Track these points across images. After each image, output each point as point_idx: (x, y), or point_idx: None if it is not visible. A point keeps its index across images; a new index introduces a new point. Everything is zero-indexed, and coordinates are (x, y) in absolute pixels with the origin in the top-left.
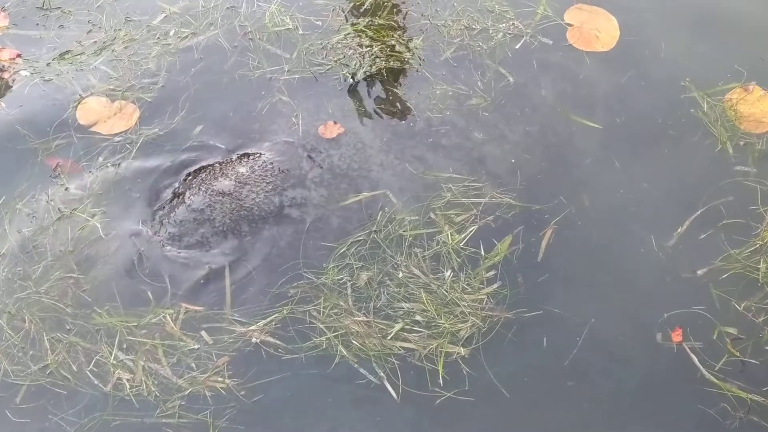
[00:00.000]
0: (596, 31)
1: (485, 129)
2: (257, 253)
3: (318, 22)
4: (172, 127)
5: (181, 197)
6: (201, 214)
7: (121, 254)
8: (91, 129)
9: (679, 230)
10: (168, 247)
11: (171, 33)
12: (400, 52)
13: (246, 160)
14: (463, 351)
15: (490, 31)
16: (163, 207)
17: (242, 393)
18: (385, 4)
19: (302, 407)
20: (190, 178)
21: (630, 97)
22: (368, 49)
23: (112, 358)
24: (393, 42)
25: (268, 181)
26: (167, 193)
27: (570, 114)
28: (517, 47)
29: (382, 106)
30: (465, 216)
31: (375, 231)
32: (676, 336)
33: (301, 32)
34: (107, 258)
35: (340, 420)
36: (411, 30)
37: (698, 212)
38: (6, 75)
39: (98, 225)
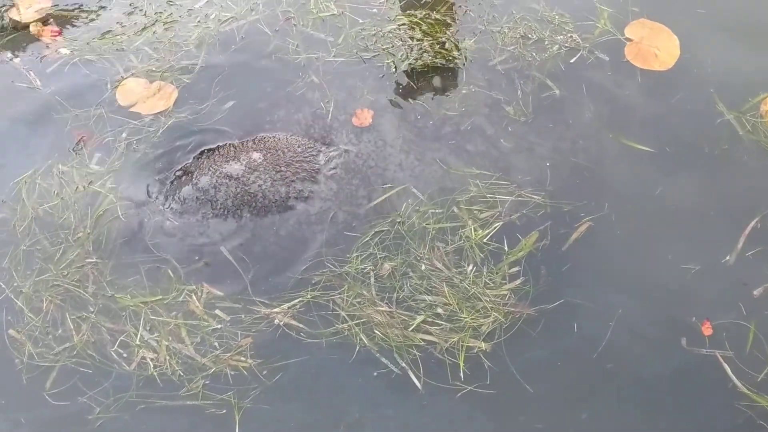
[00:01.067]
0: (656, 48)
1: (517, 139)
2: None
3: (374, 10)
4: (205, 108)
5: (190, 175)
6: (205, 194)
7: (135, 230)
8: (131, 109)
9: (734, 247)
10: (168, 223)
11: (212, 17)
12: (448, 50)
13: (263, 144)
14: (484, 346)
15: (546, 42)
16: (172, 183)
17: (264, 373)
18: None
19: (324, 392)
20: (203, 157)
21: (681, 118)
22: (418, 42)
23: (138, 339)
24: (444, 39)
25: (278, 169)
26: (179, 170)
27: (618, 135)
28: (571, 61)
29: (417, 102)
30: (489, 213)
31: (399, 222)
32: (706, 329)
33: (349, 18)
34: (122, 233)
35: (361, 406)
36: (465, 31)
37: (748, 229)
38: (47, 52)
39: (113, 198)
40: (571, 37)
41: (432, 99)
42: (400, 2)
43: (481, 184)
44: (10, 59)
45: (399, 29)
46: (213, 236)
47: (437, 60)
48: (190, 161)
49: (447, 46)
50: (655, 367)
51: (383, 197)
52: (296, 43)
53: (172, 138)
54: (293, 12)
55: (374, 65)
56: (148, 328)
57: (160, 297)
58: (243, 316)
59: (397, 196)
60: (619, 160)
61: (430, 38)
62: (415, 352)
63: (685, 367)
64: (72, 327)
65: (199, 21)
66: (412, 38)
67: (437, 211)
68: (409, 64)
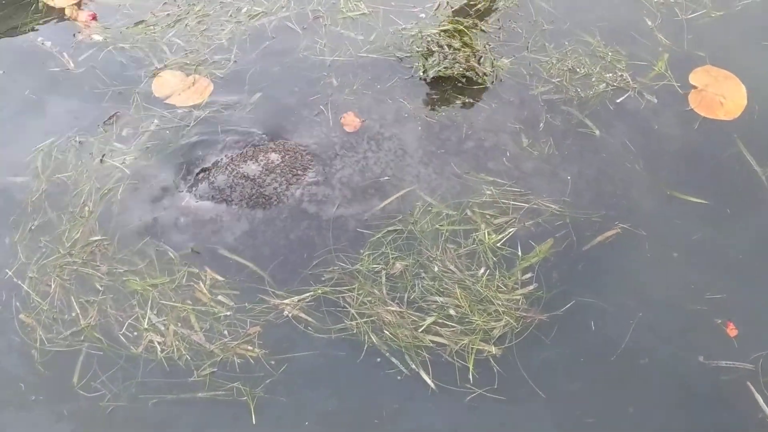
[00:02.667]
0: (721, 96)
1: (542, 164)
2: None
3: (422, 15)
4: (235, 104)
5: (208, 172)
6: (221, 194)
7: (149, 223)
8: (165, 101)
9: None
10: (182, 218)
11: (243, 11)
12: (482, 65)
13: (282, 146)
14: (494, 350)
15: (593, 79)
16: (190, 179)
17: (272, 363)
18: (494, 10)
19: (330, 387)
20: (219, 153)
21: (736, 170)
22: (454, 51)
23: (146, 322)
24: (481, 53)
25: (294, 172)
26: (199, 166)
27: (660, 182)
28: (618, 101)
29: (442, 113)
30: (504, 218)
31: (412, 222)
32: (731, 330)
33: (383, 17)
34: (131, 215)
35: (368, 404)
36: (508, 50)
37: None
38: (81, 37)
39: (128, 177)
40: (622, 76)
41: (458, 111)
42: (452, 9)
43: (496, 190)
44: (43, 41)
45: (439, 35)
46: (225, 236)
47: (468, 73)
48: (215, 161)
49: (481, 60)
50: (672, 377)
51: (394, 197)
52: (324, 42)
53: (202, 133)
54: (323, 11)
55: (403, 66)
56: (155, 312)
57: (168, 279)
58: (247, 304)
59: (409, 198)
60: (652, 196)
61: (469, 50)
62: (424, 353)
63: (704, 379)
64: (79, 311)
65: (230, 15)
66: (449, 46)
67: (450, 213)
68: (438, 70)
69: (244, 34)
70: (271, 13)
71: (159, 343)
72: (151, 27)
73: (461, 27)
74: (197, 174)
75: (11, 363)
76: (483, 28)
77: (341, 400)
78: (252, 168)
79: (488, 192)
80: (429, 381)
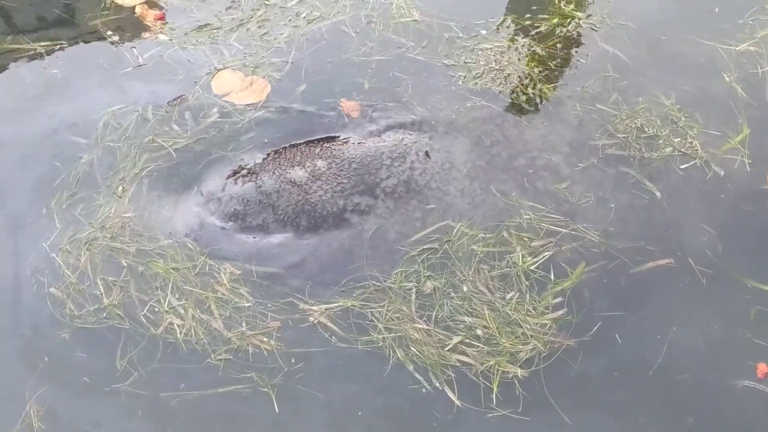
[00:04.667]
0: None
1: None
2: (313, 250)
3: (483, 31)
4: (290, 104)
5: (254, 176)
6: (267, 198)
7: (182, 213)
8: (224, 98)
9: None
10: (230, 223)
11: (302, 15)
12: (524, 86)
13: (329, 152)
14: (520, 372)
15: (660, 141)
16: (236, 181)
17: (291, 361)
18: (559, 34)
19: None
20: (269, 157)
21: None
22: (502, 68)
23: (166, 304)
24: (528, 79)
25: (339, 181)
26: (244, 168)
27: (720, 257)
28: (682, 167)
29: (496, 128)
30: (540, 242)
31: (447, 242)
32: (760, 372)
33: (438, 25)
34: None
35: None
36: (570, 81)
37: None
38: (147, 35)
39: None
40: (691, 143)
41: (514, 128)
42: (515, 28)
43: (534, 216)
44: (111, 35)
45: (491, 51)
46: (271, 242)
47: (512, 93)
48: (257, 162)
49: (528, 85)
50: (700, 407)
51: (430, 229)
52: (372, 45)
53: (258, 131)
54: (375, 16)
55: (450, 69)
56: (176, 296)
57: (188, 265)
58: (269, 304)
59: (446, 215)
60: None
61: (519, 72)
62: (449, 372)
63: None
64: (102, 289)
65: (289, 19)
66: (497, 62)
67: (487, 235)
68: (481, 84)
69: (301, 38)
70: (327, 17)
71: (179, 326)
72: (215, 30)
73: (516, 46)
74: (240, 172)
75: (40, 335)
76: (539, 51)
77: (349, 402)
78: (299, 174)
79: (527, 216)
80: (454, 398)
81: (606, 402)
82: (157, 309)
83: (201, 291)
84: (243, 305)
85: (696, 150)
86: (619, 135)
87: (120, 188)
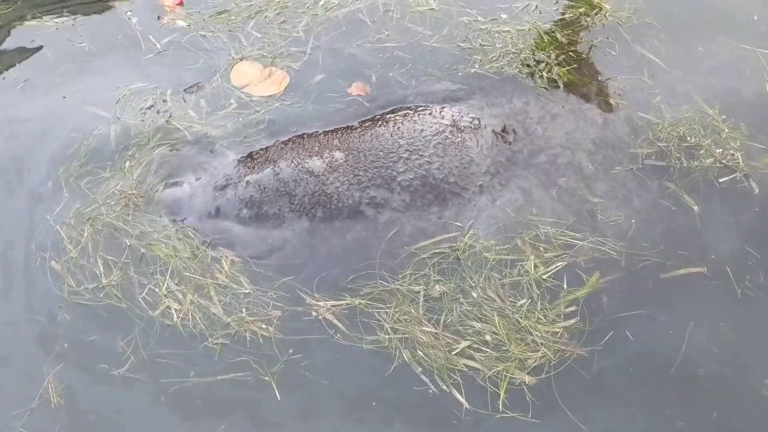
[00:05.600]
0: None
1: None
2: (326, 243)
3: (504, 16)
4: (308, 94)
5: (271, 163)
6: (285, 186)
7: (211, 210)
8: (242, 90)
9: None
10: (245, 210)
11: (320, 3)
12: (541, 71)
13: (347, 144)
14: (528, 379)
15: (702, 151)
16: (252, 167)
17: (290, 351)
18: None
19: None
20: (286, 144)
21: None
22: (518, 52)
23: (164, 288)
24: (544, 60)
25: (356, 173)
26: (259, 155)
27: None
28: (721, 180)
29: (515, 124)
30: (555, 252)
31: (458, 250)
32: None
33: (457, 11)
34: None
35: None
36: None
37: None
38: (165, 20)
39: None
40: (733, 155)
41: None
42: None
43: (552, 230)
44: (130, 16)
45: (507, 33)
46: (285, 231)
47: (522, 72)
48: (272, 146)
49: (540, 66)
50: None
51: (441, 238)
52: (388, 33)
53: (276, 121)
54: (392, 4)
55: (465, 55)
56: (176, 282)
57: (189, 255)
58: (271, 292)
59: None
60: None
61: (529, 52)
62: (456, 376)
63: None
64: (102, 269)
65: (307, 7)
66: (513, 45)
67: (502, 247)
68: (492, 66)
69: (319, 27)
70: (344, 5)
71: (176, 310)
72: (233, 17)
73: (538, 30)
74: (256, 159)
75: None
76: (559, 37)
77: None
78: (317, 164)
79: (545, 230)
80: (462, 399)
81: (619, 412)
82: (156, 291)
83: (200, 277)
84: (242, 292)
85: (737, 162)
86: (660, 143)
87: (127, 164)
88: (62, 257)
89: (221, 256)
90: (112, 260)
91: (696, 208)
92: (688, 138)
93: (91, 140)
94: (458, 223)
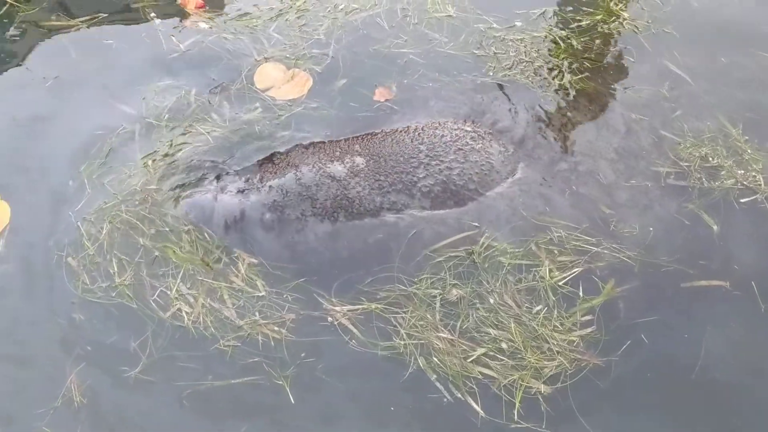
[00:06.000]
0: None
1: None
2: (347, 247)
3: (518, 23)
4: (331, 99)
5: (292, 167)
6: (307, 191)
7: (236, 216)
8: (266, 93)
9: None
10: (268, 214)
11: (341, 7)
12: (551, 79)
13: (368, 150)
14: (543, 388)
15: (723, 172)
16: (274, 172)
17: (302, 354)
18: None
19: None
20: (307, 148)
21: None
22: (531, 60)
23: (174, 290)
24: (557, 67)
25: (377, 178)
26: (280, 159)
27: None
28: (742, 200)
29: (540, 131)
30: (570, 258)
31: (473, 254)
32: None
33: (473, 18)
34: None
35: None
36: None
37: None
38: (187, 23)
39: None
40: (754, 177)
41: (560, 132)
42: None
43: (566, 234)
44: (154, 17)
45: (521, 41)
46: (308, 235)
47: (532, 80)
48: (293, 150)
49: (554, 73)
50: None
51: (456, 237)
52: (406, 39)
53: (299, 126)
54: (410, 10)
55: (480, 61)
56: (188, 285)
57: (201, 260)
58: (287, 295)
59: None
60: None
61: (550, 64)
62: (471, 384)
63: None
64: (117, 268)
65: (328, 11)
66: (526, 53)
67: (517, 251)
68: (506, 74)
69: (340, 30)
70: (364, 9)
71: (187, 313)
72: (255, 20)
73: (552, 36)
74: (279, 163)
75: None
76: (574, 44)
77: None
78: (338, 169)
79: (558, 234)
80: (477, 408)
81: (635, 425)
82: (168, 294)
83: (212, 281)
84: (257, 295)
85: (759, 184)
86: (682, 163)
87: (150, 163)
88: (79, 254)
89: (238, 258)
90: (126, 260)
91: (715, 228)
92: (710, 158)
93: (115, 138)
94: (476, 223)
